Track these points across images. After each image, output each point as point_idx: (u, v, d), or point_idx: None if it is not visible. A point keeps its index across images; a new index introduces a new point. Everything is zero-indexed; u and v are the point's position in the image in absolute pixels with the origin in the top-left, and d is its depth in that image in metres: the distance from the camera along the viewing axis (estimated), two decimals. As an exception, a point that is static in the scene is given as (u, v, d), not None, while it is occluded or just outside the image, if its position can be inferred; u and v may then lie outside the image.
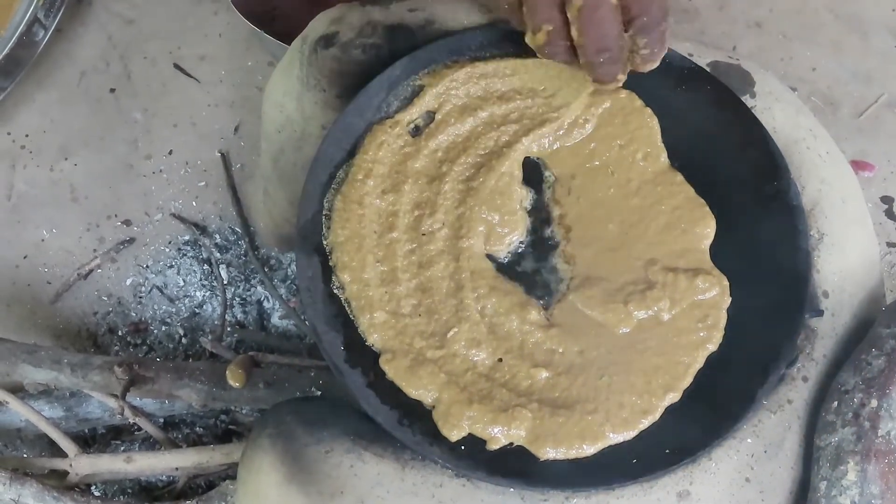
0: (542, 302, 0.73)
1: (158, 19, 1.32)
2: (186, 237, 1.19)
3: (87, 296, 1.17)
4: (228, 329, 1.13)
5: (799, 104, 0.85)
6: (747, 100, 0.81)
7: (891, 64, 1.31)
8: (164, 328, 1.15)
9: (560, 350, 0.70)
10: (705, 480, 0.68)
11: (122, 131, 1.25)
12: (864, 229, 0.80)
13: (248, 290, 1.16)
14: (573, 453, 0.66)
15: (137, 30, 1.32)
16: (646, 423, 0.68)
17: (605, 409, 0.68)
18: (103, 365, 0.93)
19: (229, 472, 0.92)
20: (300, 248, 0.73)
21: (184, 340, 1.15)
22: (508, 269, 0.75)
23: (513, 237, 0.76)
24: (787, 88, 0.87)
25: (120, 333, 1.15)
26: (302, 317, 1.12)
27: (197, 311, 1.16)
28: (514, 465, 0.66)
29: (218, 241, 1.18)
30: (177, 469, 0.91)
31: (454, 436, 0.66)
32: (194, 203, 1.21)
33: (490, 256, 0.75)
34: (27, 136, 1.25)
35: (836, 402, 0.70)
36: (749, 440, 0.69)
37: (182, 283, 1.17)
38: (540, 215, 0.77)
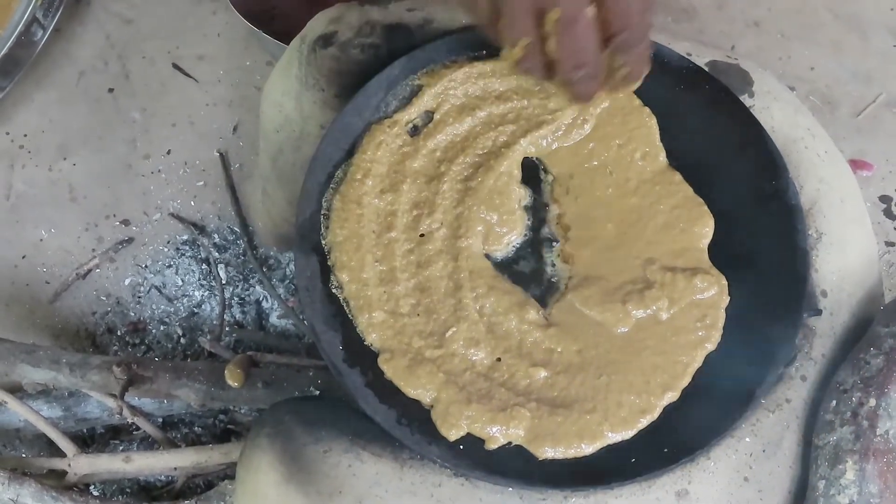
0: (540, 301, 0.73)
1: (157, 19, 1.32)
2: (185, 237, 1.18)
3: (86, 295, 1.17)
4: (227, 329, 1.13)
5: (797, 103, 0.85)
6: (746, 99, 0.81)
7: (889, 63, 1.31)
8: (162, 328, 1.15)
9: (558, 349, 0.70)
10: (704, 479, 0.68)
11: (120, 131, 1.25)
12: (862, 228, 0.80)
13: (247, 290, 1.16)
14: (572, 452, 0.67)
15: (136, 29, 1.32)
16: (644, 422, 0.68)
17: (603, 409, 0.68)
18: (102, 365, 0.93)
19: (228, 472, 0.92)
20: (299, 247, 0.73)
21: (182, 340, 1.15)
22: (507, 269, 0.75)
23: (511, 237, 0.76)
24: (786, 88, 0.87)
25: (118, 333, 1.15)
26: (300, 316, 1.12)
27: (195, 310, 1.16)
28: (512, 464, 0.66)
29: (216, 240, 1.18)
30: (175, 469, 0.91)
31: (453, 435, 0.66)
32: (193, 203, 1.21)
33: (489, 256, 0.75)
34: (26, 135, 1.25)
35: (834, 401, 0.70)
36: (747, 439, 0.69)
37: (180, 283, 1.17)
38: (538, 215, 0.77)
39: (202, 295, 1.16)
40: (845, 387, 0.70)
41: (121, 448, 1.05)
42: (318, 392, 0.86)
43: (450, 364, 0.69)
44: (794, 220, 0.74)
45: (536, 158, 0.79)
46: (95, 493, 1.03)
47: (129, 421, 0.94)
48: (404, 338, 0.70)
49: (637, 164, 0.77)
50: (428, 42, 0.79)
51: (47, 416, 0.97)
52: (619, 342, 0.71)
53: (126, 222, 1.20)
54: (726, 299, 0.72)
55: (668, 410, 0.69)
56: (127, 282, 1.17)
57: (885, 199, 1.22)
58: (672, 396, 0.69)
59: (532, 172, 0.78)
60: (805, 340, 0.73)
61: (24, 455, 1.03)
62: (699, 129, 0.79)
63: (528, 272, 0.75)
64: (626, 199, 0.76)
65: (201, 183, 1.22)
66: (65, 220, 1.20)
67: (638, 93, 0.79)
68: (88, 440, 1.08)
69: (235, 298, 1.16)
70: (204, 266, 1.17)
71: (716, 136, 0.78)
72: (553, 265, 0.75)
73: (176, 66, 1.29)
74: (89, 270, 1.17)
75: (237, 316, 1.15)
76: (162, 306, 1.16)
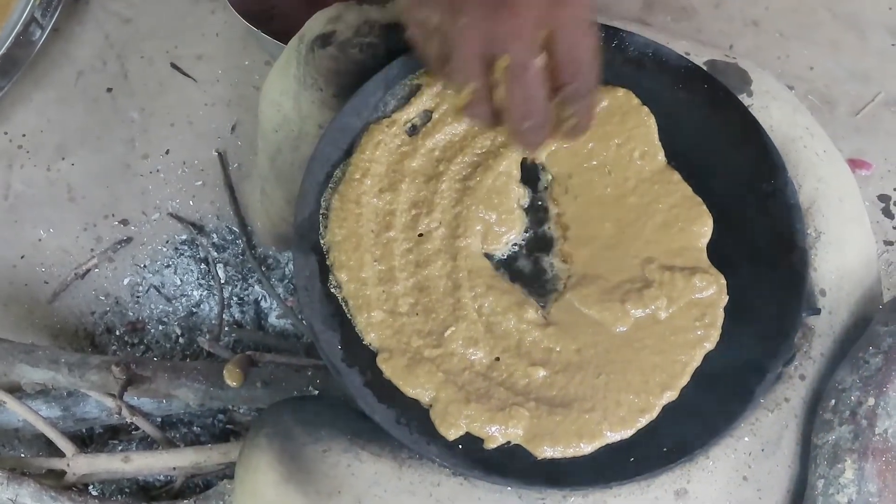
0: (539, 301, 0.73)
1: (156, 18, 1.32)
2: (184, 236, 1.18)
3: (85, 295, 1.17)
4: (226, 328, 1.13)
5: (796, 103, 0.85)
6: (744, 98, 0.81)
7: (888, 62, 1.31)
8: (161, 328, 1.15)
9: (557, 349, 0.70)
10: (703, 479, 0.68)
11: (119, 131, 1.25)
12: (861, 228, 0.80)
13: (246, 290, 1.16)
14: (571, 452, 0.66)
15: (134, 29, 1.32)
16: (643, 421, 0.68)
17: (602, 408, 0.68)
18: (101, 364, 0.93)
19: (227, 472, 0.92)
20: (297, 247, 0.73)
21: (181, 340, 1.15)
22: (506, 268, 0.75)
23: (510, 236, 0.76)
24: (784, 87, 0.87)
25: (117, 333, 1.15)
26: (299, 316, 1.12)
27: (194, 310, 1.16)
28: (511, 463, 0.66)
29: (215, 240, 1.18)
30: (174, 468, 0.91)
31: (451, 434, 0.66)
32: (191, 202, 1.21)
33: (487, 255, 0.75)
34: (24, 135, 1.25)
35: (833, 401, 0.70)
36: (746, 438, 0.69)
37: (179, 283, 1.16)
38: (537, 214, 0.77)
39: (201, 294, 1.16)
40: (844, 386, 0.70)
41: (119, 448, 1.05)
42: (316, 392, 0.86)
43: (448, 363, 0.69)
44: (793, 219, 0.74)
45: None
46: (94, 493, 1.03)
47: (128, 421, 0.94)
48: (403, 337, 0.70)
49: (636, 164, 0.77)
50: (426, 41, 0.79)
51: (46, 415, 0.97)
52: (617, 341, 0.71)
53: (125, 222, 1.20)
54: (725, 298, 0.72)
55: (667, 410, 0.69)
56: (126, 281, 1.17)
57: (883, 198, 1.22)
58: (671, 396, 0.69)
59: (531, 172, 0.78)
60: (804, 339, 0.74)
61: (22, 455, 1.03)
62: (698, 128, 0.79)
63: (526, 271, 0.75)
64: (624, 198, 0.76)
65: (200, 182, 1.22)
66: (63, 219, 1.20)
67: (636, 92, 0.79)
68: (87, 440, 1.08)
69: (234, 298, 1.16)
70: (202, 266, 1.17)
71: (714, 136, 0.78)
72: (552, 264, 0.75)
73: (174, 66, 1.29)
74: (88, 270, 1.17)
75: (236, 315, 1.15)
76: (161, 306, 1.16)
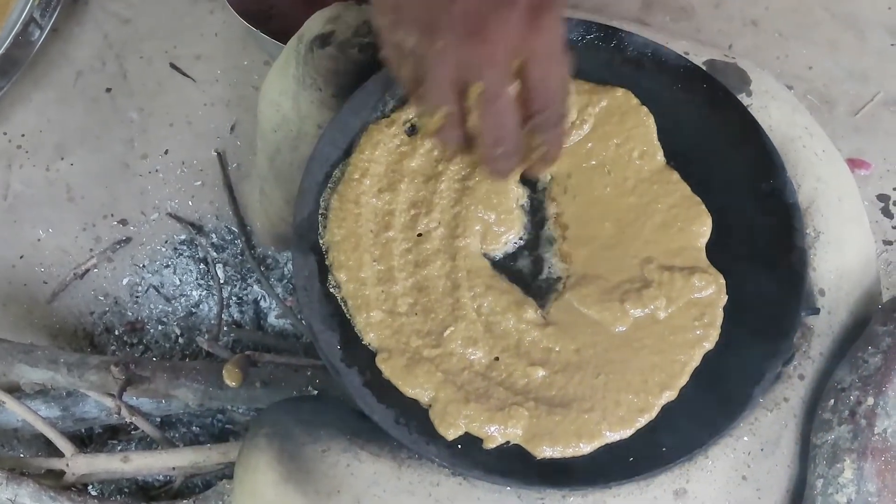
0: (538, 300, 0.73)
1: (154, 18, 1.32)
2: (183, 236, 1.18)
3: (84, 295, 1.17)
4: (225, 328, 1.13)
5: (795, 102, 0.85)
6: (743, 98, 0.81)
7: (887, 62, 1.31)
8: (160, 328, 1.15)
9: (556, 348, 0.70)
10: (702, 478, 0.68)
11: (118, 131, 1.25)
12: (860, 227, 0.80)
13: (245, 290, 1.16)
14: (570, 452, 0.66)
15: (133, 29, 1.32)
16: (642, 421, 0.68)
17: (601, 408, 0.68)
18: (100, 364, 0.93)
19: (226, 472, 0.92)
20: (296, 247, 0.73)
21: (180, 340, 1.15)
22: (505, 268, 0.75)
23: (509, 236, 0.76)
24: (784, 87, 0.87)
25: (116, 333, 1.15)
26: (298, 316, 1.12)
27: (193, 310, 1.16)
28: (510, 463, 0.66)
29: (214, 240, 1.18)
30: (173, 468, 0.91)
31: (451, 434, 0.66)
32: (190, 202, 1.20)
33: (486, 255, 0.75)
34: (23, 135, 1.25)
35: (832, 400, 0.70)
36: (746, 438, 0.69)
37: (178, 283, 1.16)
38: (536, 214, 0.77)
39: (200, 294, 1.16)
40: (843, 385, 0.70)
41: (119, 448, 1.05)
42: (316, 391, 0.86)
43: (448, 363, 0.69)
44: (792, 219, 0.74)
45: (534, 158, 0.79)
46: (93, 493, 1.03)
47: (127, 421, 0.94)
48: (402, 337, 0.70)
49: (635, 163, 0.77)
50: (425, 41, 0.79)
51: (45, 415, 0.97)
52: (617, 341, 0.71)
53: (124, 222, 1.20)
54: (724, 298, 0.72)
55: (666, 409, 0.69)
56: (125, 281, 1.17)
57: (882, 197, 1.22)
58: (670, 395, 0.69)
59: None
60: (803, 339, 0.74)
61: (22, 455, 1.03)
62: (697, 128, 0.79)
63: (525, 271, 0.75)
64: (623, 198, 0.76)
65: (199, 183, 1.22)
66: (62, 219, 1.20)
67: (636, 92, 0.79)
68: (86, 440, 1.08)
69: (233, 298, 1.16)
70: (202, 266, 1.17)
71: (714, 135, 0.78)
72: (551, 264, 0.75)
73: (173, 66, 1.29)
74: (87, 270, 1.17)
75: (235, 315, 1.15)
76: (160, 306, 1.16)
